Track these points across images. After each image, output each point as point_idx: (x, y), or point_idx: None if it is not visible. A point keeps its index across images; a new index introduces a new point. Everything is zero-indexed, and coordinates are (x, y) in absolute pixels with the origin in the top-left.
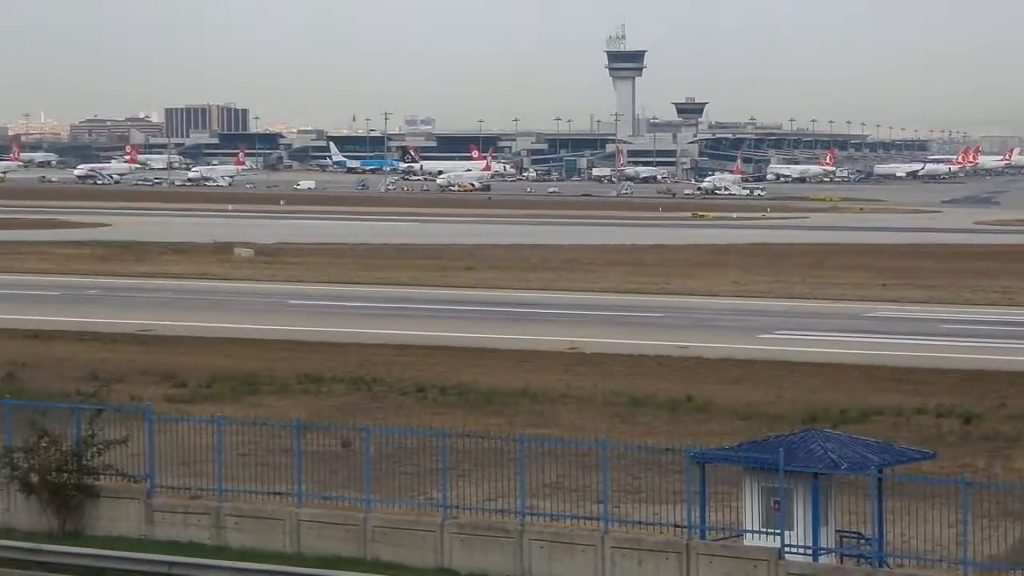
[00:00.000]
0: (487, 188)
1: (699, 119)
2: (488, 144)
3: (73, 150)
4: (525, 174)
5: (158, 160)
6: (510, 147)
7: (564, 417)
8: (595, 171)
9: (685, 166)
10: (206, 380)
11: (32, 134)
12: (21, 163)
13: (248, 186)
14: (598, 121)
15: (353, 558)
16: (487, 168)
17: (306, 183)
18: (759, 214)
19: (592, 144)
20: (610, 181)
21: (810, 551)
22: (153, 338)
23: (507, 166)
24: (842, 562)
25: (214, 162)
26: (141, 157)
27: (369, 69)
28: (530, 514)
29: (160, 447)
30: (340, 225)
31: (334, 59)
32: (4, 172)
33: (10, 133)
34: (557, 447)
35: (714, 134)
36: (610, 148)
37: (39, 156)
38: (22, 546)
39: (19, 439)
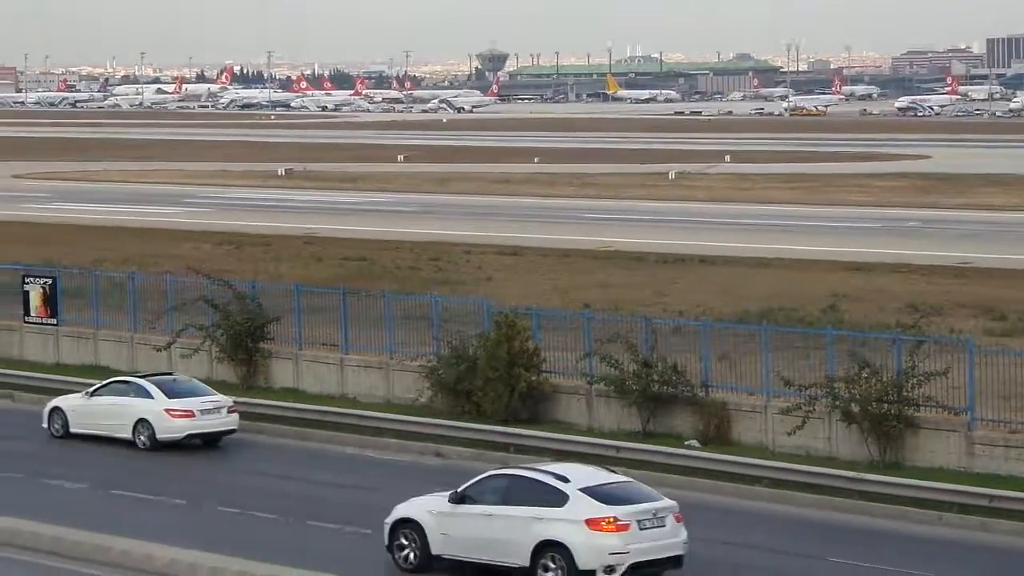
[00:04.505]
0: None
1: None
2: None
3: (894, 82)
4: None
5: (978, 91)
6: None
7: None
8: None
9: None
10: None
11: (854, 67)
12: (843, 96)
13: None
14: None
15: None
16: None
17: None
18: None
19: None
20: None
21: None
22: (971, 270)
23: None
24: None
25: None
26: (961, 88)
27: None
28: None
29: (979, 380)
30: None
31: None
32: (826, 106)
33: (832, 67)
34: None
35: None
36: None
37: (860, 89)
38: (844, 474)
39: (840, 369)
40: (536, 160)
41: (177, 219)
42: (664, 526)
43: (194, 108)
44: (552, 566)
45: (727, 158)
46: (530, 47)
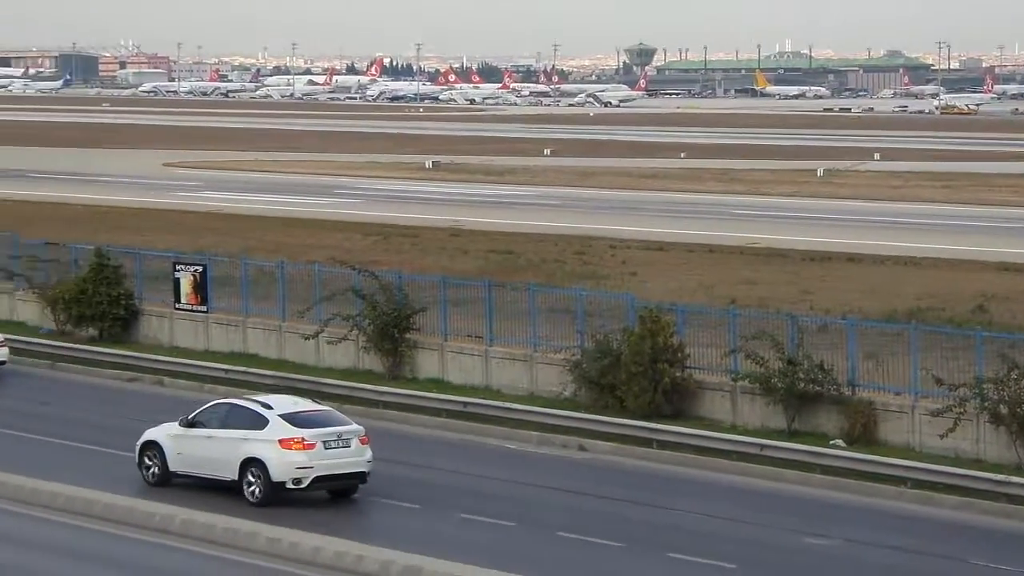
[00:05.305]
0: None
1: None
2: None
3: None
4: None
5: None
6: None
7: None
8: None
9: None
10: None
11: (1006, 66)
12: (994, 95)
13: None
14: None
15: None
16: None
17: None
18: None
19: None
20: None
21: None
22: None
23: None
24: None
25: None
26: None
27: None
28: None
29: None
30: None
31: None
32: (978, 104)
33: (984, 65)
34: None
35: None
36: None
37: (1012, 88)
38: (990, 477)
39: (989, 371)
40: (683, 155)
41: (326, 209)
42: (349, 447)
43: (343, 100)
44: (253, 479)
45: (877, 156)
46: (678, 42)
